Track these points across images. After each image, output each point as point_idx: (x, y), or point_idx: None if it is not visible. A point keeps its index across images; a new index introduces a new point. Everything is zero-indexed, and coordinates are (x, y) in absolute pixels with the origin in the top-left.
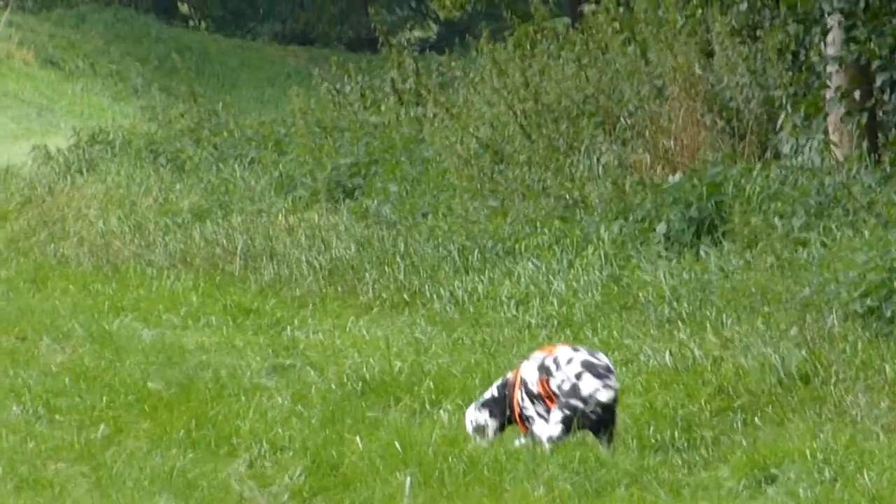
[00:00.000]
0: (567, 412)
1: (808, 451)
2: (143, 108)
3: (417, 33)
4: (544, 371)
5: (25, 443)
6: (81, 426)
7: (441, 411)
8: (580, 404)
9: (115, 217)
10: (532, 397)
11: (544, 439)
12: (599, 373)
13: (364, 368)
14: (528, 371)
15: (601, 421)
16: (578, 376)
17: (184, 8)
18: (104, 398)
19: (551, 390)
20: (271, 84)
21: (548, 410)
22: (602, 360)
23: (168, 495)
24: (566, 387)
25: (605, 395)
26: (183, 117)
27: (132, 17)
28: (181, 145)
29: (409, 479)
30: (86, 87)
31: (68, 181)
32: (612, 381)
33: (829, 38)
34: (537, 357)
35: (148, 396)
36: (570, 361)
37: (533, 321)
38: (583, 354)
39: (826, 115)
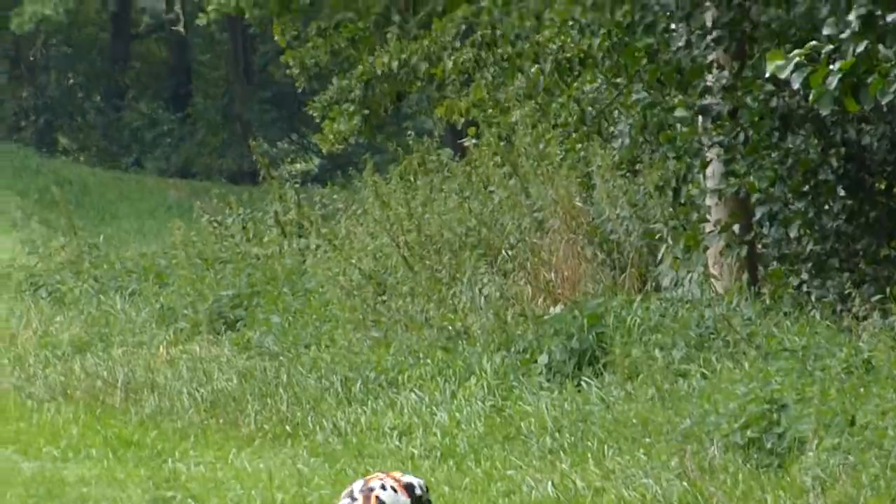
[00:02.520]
0: None
1: None
2: (23, 241)
3: (299, 166)
4: None
5: None
6: None
7: None
8: None
9: None
10: None
11: None
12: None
13: (246, 501)
14: None
15: None
16: None
17: (64, 140)
18: None
19: None
20: (152, 216)
21: None
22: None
23: None
24: None
25: None
26: (63, 250)
27: (12, 150)
28: (61, 278)
29: None
30: None
31: None
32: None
33: (709, 171)
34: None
35: None
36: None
37: (416, 452)
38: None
39: (706, 247)
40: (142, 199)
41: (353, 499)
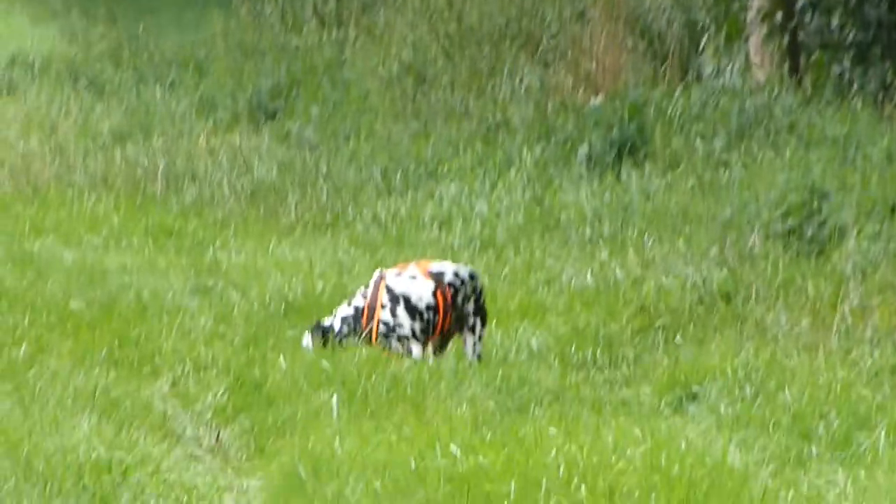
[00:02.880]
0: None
1: (728, 369)
2: (63, 31)
3: None
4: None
5: None
6: (3, 346)
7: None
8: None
9: (35, 139)
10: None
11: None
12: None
13: (287, 289)
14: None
15: None
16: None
17: None
18: (26, 318)
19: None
20: (191, 6)
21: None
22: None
23: (91, 414)
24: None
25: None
26: (102, 40)
27: None
28: (101, 67)
29: (335, 396)
30: (3, 10)
31: None
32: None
33: None
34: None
35: (70, 316)
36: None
37: (455, 242)
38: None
39: (747, 36)
40: None
41: (366, 287)
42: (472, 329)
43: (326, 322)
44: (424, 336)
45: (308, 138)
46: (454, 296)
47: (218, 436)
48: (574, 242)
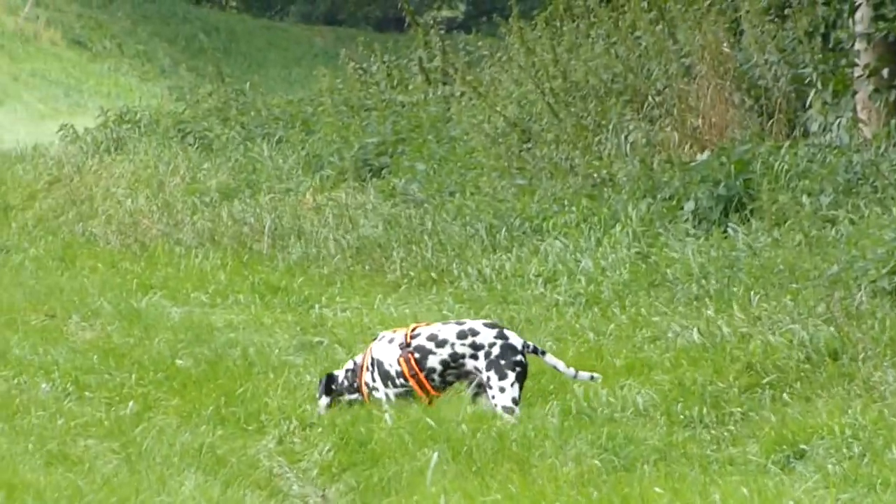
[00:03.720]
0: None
1: (836, 427)
2: (171, 88)
3: (445, 12)
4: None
5: (55, 419)
6: (111, 403)
7: (468, 388)
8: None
9: (143, 196)
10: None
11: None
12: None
13: None
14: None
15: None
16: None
17: None
18: (133, 375)
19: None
20: (298, 64)
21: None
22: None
23: (197, 471)
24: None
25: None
26: (210, 97)
27: None
28: (209, 124)
29: (436, 455)
30: (113, 68)
31: (96, 160)
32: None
33: (858, 15)
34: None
35: (177, 373)
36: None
37: (561, 299)
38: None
39: (854, 92)
40: (288, 47)
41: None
42: (488, 384)
43: (336, 372)
44: (407, 397)
45: (413, 194)
46: (420, 360)
47: (324, 494)
48: (680, 299)
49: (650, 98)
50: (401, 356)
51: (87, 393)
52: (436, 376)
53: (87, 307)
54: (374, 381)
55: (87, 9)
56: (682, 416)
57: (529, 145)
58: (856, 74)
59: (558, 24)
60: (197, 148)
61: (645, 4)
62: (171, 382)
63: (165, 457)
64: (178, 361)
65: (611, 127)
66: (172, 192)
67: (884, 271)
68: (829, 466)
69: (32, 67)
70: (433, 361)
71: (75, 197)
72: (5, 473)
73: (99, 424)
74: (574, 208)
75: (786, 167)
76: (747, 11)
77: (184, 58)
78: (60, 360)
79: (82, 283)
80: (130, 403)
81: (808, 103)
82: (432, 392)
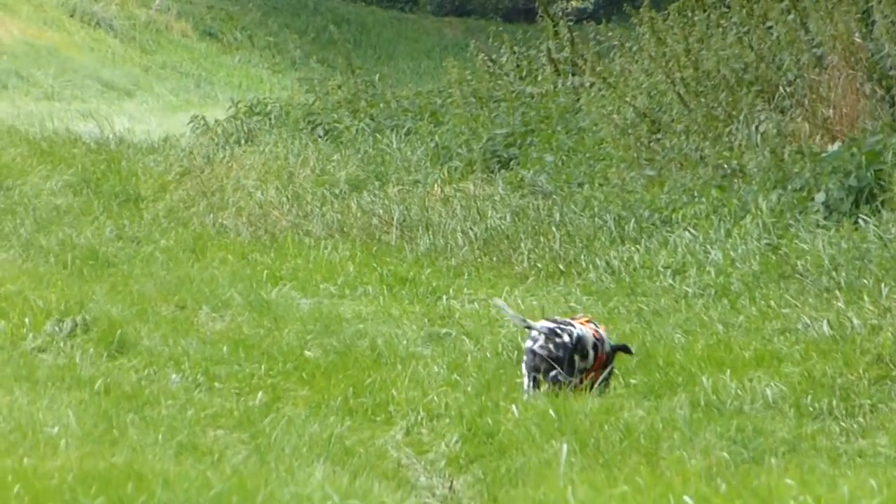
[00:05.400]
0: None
1: None
2: (301, 80)
3: (574, 3)
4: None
5: (185, 410)
6: (240, 393)
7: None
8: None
9: (272, 187)
10: None
11: None
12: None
13: (519, 338)
14: None
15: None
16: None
17: None
18: (262, 366)
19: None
20: (428, 56)
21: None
22: (545, 324)
23: (326, 462)
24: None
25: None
26: (340, 89)
27: None
28: (338, 116)
29: (564, 447)
30: (243, 59)
31: (227, 152)
32: (534, 334)
33: None
34: None
35: (306, 364)
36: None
37: (689, 291)
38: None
39: None
40: (418, 39)
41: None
42: None
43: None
44: None
45: (542, 186)
46: None
47: (451, 485)
48: (810, 291)
49: (781, 88)
50: None
51: (216, 384)
52: None
53: (218, 298)
54: None
55: (219, 1)
56: (811, 409)
57: (659, 136)
58: None
59: (689, 13)
60: (326, 139)
61: None
62: (299, 373)
63: (294, 447)
64: (307, 352)
65: (741, 117)
66: (302, 184)
67: None
68: None
69: (164, 59)
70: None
71: (206, 188)
72: (135, 464)
73: (228, 415)
74: (703, 199)
75: None
76: (879, 1)
77: (314, 49)
78: (190, 351)
79: (212, 273)
80: (260, 394)
81: None
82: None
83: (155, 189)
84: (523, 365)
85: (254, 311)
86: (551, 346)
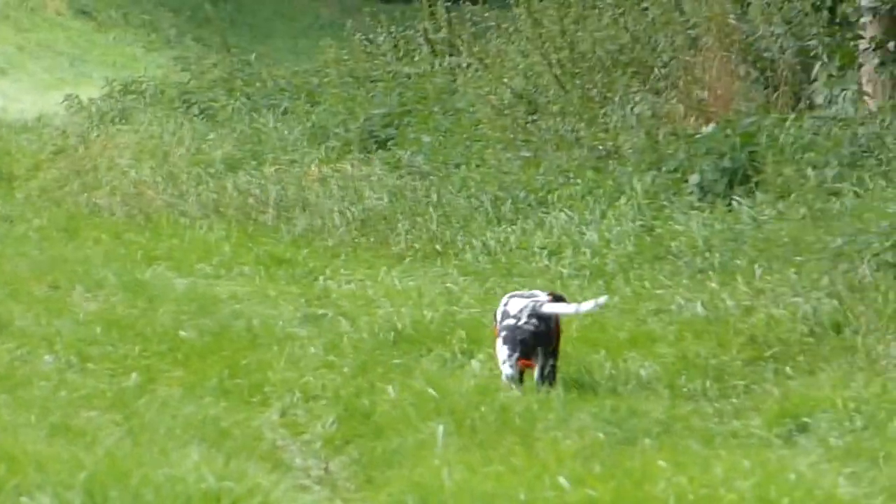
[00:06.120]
0: (504, 333)
1: (839, 401)
2: (176, 59)
3: None
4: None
5: (58, 391)
6: (114, 374)
7: (473, 361)
8: (513, 321)
9: (147, 167)
10: None
11: (500, 366)
12: (524, 294)
13: (396, 318)
14: None
15: (539, 334)
16: (506, 303)
17: None
18: (137, 347)
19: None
20: (304, 35)
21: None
22: (532, 292)
23: (201, 443)
24: (500, 317)
25: (539, 308)
26: (216, 67)
27: None
28: (214, 95)
29: (441, 427)
30: (118, 38)
31: (101, 131)
32: (541, 297)
33: None
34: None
35: (181, 345)
36: (504, 303)
37: (565, 272)
38: (515, 292)
39: (860, 65)
40: (294, 18)
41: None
42: None
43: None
44: None
45: (419, 166)
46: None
47: (327, 466)
48: (684, 272)
49: (656, 70)
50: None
51: (90, 364)
52: None
53: (91, 278)
54: None
55: None
56: (685, 389)
57: (535, 117)
58: (861, 47)
59: None
60: (202, 118)
61: None
62: (174, 354)
63: (168, 429)
64: (182, 333)
65: (617, 99)
66: (177, 163)
67: (888, 244)
68: (832, 440)
69: (38, 37)
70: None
71: (80, 167)
72: (7, 445)
73: (102, 396)
74: (579, 180)
75: (791, 140)
76: None
77: (189, 28)
78: (64, 332)
79: (86, 253)
80: (134, 375)
81: (813, 76)
82: None
83: (28, 168)
84: (506, 346)
85: (128, 292)
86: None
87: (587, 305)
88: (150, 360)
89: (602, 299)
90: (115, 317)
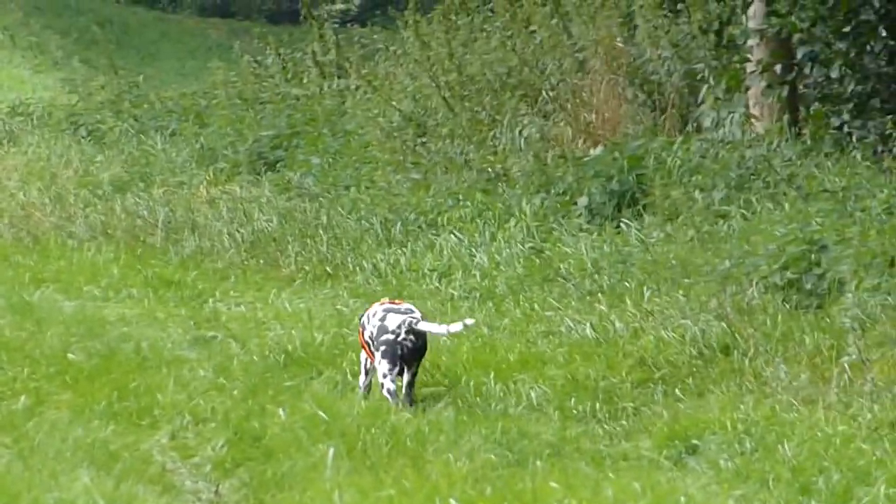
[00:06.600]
0: (384, 347)
1: (728, 423)
2: (64, 81)
3: (339, 6)
4: (361, 325)
5: None
6: (2, 397)
7: (362, 384)
8: (392, 336)
9: (35, 189)
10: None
11: (380, 380)
12: (401, 310)
13: (286, 340)
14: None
15: (416, 349)
16: (383, 318)
17: None
18: (25, 369)
19: (366, 340)
20: (192, 57)
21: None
22: (404, 305)
23: (90, 467)
24: (376, 331)
25: (415, 324)
26: (103, 89)
27: None
28: (101, 117)
29: (331, 450)
30: (5, 60)
31: None
32: (416, 314)
33: (751, 11)
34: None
35: (69, 368)
36: (374, 314)
37: (455, 293)
38: (386, 305)
39: (747, 88)
40: (182, 40)
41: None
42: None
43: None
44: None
45: (308, 188)
46: (362, 331)
47: (217, 489)
48: (573, 294)
49: (544, 93)
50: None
51: None
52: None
53: None
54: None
55: None
56: (574, 411)
57: (424, 139)
58: (748, 70)
59: (454, 17)
60: (90, 140)
61: None
62: (63, 377)
63: (58, 452)
64: (71, 355)
65: (505, 122)
66: (65, 185)
67: (775, 267)
68: (722, 462)
69: None
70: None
71: None
72: None
73: None
74: (469, 203)
75: (678, 162)
76: (641, 6)
77: (77, 50)
78: None
79: None
80: (22, 398)
81: (700, 99)
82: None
83: None
84: (386, 361)
85: (16, 314)
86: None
87: (456, 326)
88: (38, 382)
89: (469, 321)
90: (2, 339)
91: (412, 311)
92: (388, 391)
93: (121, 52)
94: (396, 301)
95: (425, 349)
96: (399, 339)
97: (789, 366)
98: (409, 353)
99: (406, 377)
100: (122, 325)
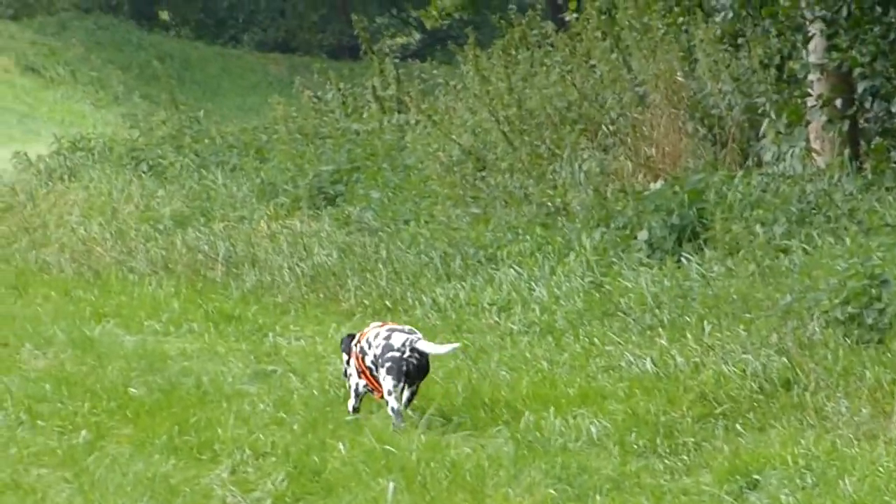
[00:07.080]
0: (389, 364)
1: (789, 458)
2: (125, 116)
3: (399, 40)
4: (360, 351)
5: (7, 448)
6: (63, 432)
7: (423, 417)
8: (398, 353)
9: (96, 224)
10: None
11: (385, 398)
12: (405, 330)
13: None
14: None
15: (420, 367)
16: (388, 337)
17: (164, 15)
18: (86, 404)
19: (366, 366)
20: (253, 92)
21: (365, 385)
22: (405, 327)
23: (150, 501)
24: (380, 351)
25: (416, 343)
26: (164, 124)
27: (113, 24)
28: (162, 152)
29: (391, 484)
30: (66, 95)
31: (50, 188)
32: (417, 334)
33: (811, 45)
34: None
35: (130, 402)
36: (377, 335)
37: (515, 328)
38: (387, 326)
39: (808, 122)
40: (242, 75)
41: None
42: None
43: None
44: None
45: (368, 223)
46: (362, 357)
47: None
48: (634, 328)
49: (604, 127)
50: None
51: (39, 422)
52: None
53: (41, 335)
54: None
55: (41, 35)
56: (635, 446)
57: (484, 174)
58: (809, 104)
59: (513, 52)
60: (151, 175)
61: (600, 33)
62: (124, 411)
63: (118, 486)
64: (132, 390)
65: (565, 156)
66: (126, 220)
67: (836, 301)
68: (783, 497)
69: None
70: (367, 360)
71: (28, 224)
72: None
73: (52, 453)
74: (528, 237)
75: (739, 196)
76: (701, 41)
77: (137, 85)
78: (13, 389)
79: (35, 311)
80: (83, 432)
81: (761, 133)
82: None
83: None
84: (391, 378)
85: (77, 349)
86: (417, 354)
87: (446, 348)
88: (99, 417)
89: (456, 345)
90: (64, 374)
91: (414, 332)
92: (393, 410)
93: (182, 87)
94: (386, 322)
95: (428, 369)
96: (405, 356)
97: (850, 400)
98: (415, 370)
99: (406, 395)
100: (182, 359)
